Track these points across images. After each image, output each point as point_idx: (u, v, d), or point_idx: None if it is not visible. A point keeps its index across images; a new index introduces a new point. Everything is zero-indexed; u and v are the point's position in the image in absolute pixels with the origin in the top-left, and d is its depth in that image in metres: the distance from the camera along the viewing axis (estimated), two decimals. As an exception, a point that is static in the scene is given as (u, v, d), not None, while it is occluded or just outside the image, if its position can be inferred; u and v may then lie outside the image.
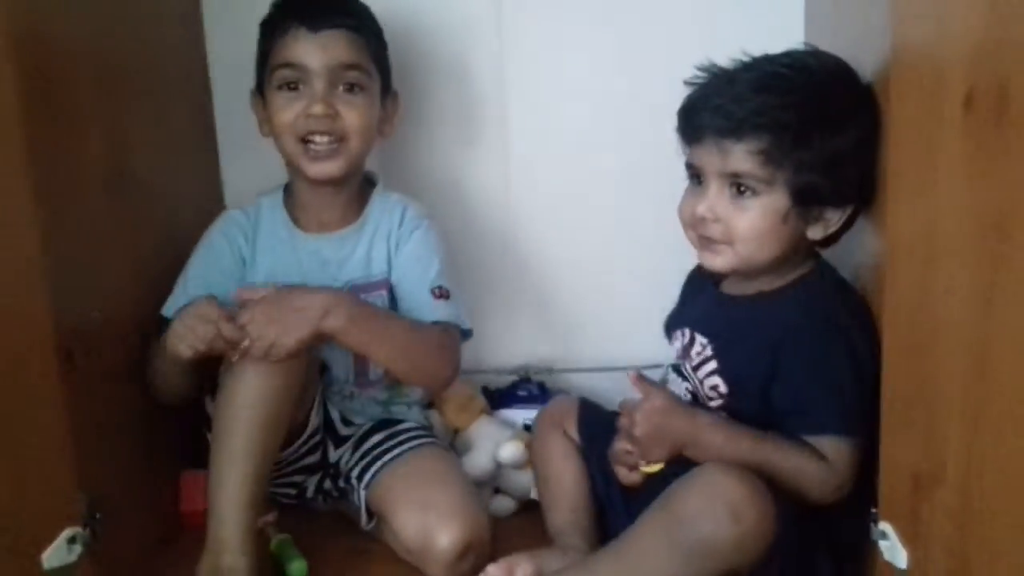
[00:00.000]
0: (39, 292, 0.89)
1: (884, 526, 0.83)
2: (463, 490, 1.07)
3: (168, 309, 1.11)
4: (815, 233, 0.94)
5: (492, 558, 1.04)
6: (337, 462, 1.17)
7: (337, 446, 1.17)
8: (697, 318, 1.03)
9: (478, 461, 1.19)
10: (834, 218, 0.93)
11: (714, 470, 0.86)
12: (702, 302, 1.05)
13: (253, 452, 0.99)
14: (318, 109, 1.09)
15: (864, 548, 0.89)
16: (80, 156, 1.00)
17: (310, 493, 1.18)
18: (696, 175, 0.97)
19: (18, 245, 0.87)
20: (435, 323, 1.10)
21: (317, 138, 1.10)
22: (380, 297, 1.15)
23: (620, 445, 0.99)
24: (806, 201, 0.92)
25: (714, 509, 0.83)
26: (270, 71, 1.11)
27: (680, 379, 1.04)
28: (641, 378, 0.97)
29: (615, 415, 1.01)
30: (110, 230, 1.06)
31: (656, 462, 0.97)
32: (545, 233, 1.36)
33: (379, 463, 1.11)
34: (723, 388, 0.97)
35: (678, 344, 1.04)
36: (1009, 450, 0.64)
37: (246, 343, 0.98)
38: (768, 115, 0.90)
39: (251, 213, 1.18)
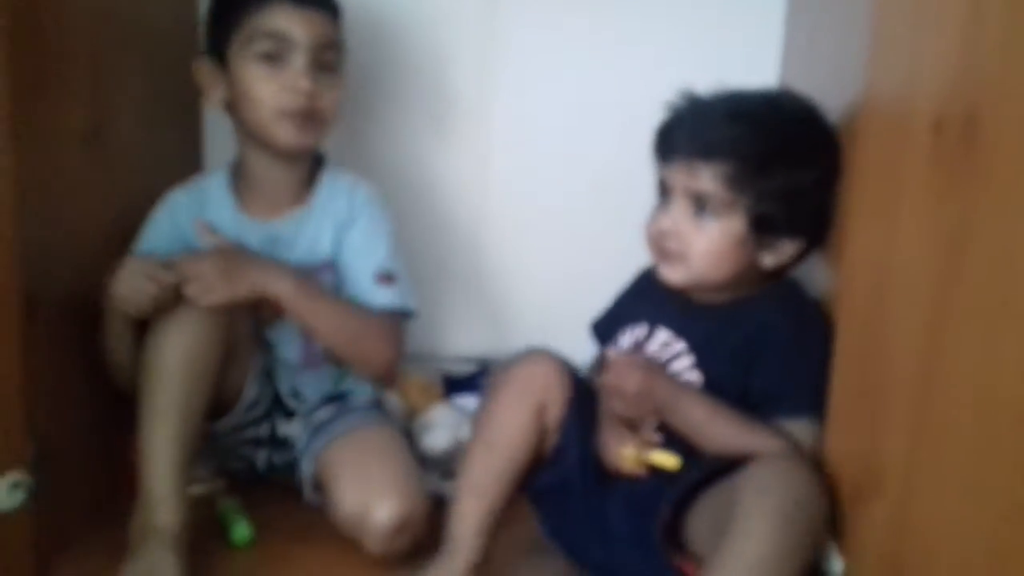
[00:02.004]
0: (7, 237, 0.88)
1: (822, 535, 0.85)
2: (403, 467, 1.07)
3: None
4: (767, 261, 0.98)
5: (432, 537, 1.04)
6: (286, 437, 1.17)
7: (287, 419, 1.17)
8: (657, 314, 1.04)
9: (439, 440, 1.20)
10: (787, 249, 0.98)
11: (771, 457, 0.87)
12: (659, 301, 1.05)
13: (178, 409, 0.99)
14: (304, 84, 1.07)
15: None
16: (60, 108, 0.99)
17: (261, 467, 1.18)
18: (665, 192, 1.01)
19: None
20: (379, 310, 1.11)
21: (299, 114, 1.09)
22: (326, 279, 1.14)
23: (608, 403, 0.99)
24: (762, 229, 0.96)
25: (804, 477, 0.83)
26: (247, 39, 1.08)
27: None
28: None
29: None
30: (85, 186, 1.05)
31: (643, 423, 0.97)
32: (518, 228, 1.38)
33: (326, 436, 1.12)
34: (700, 381, 0.98)
35: (627, 340, 1.05)
36: (948, 466, 0.66)
37: (191, 289, 1.00)
38: (737, 143, 0.95)
39: (194, 193, 1.16)
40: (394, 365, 1.13)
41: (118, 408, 1.15)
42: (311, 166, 1.17)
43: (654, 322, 1.04)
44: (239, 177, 1.16)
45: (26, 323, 0.92)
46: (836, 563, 0.82)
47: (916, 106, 0.73)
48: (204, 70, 1.13)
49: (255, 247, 1.13)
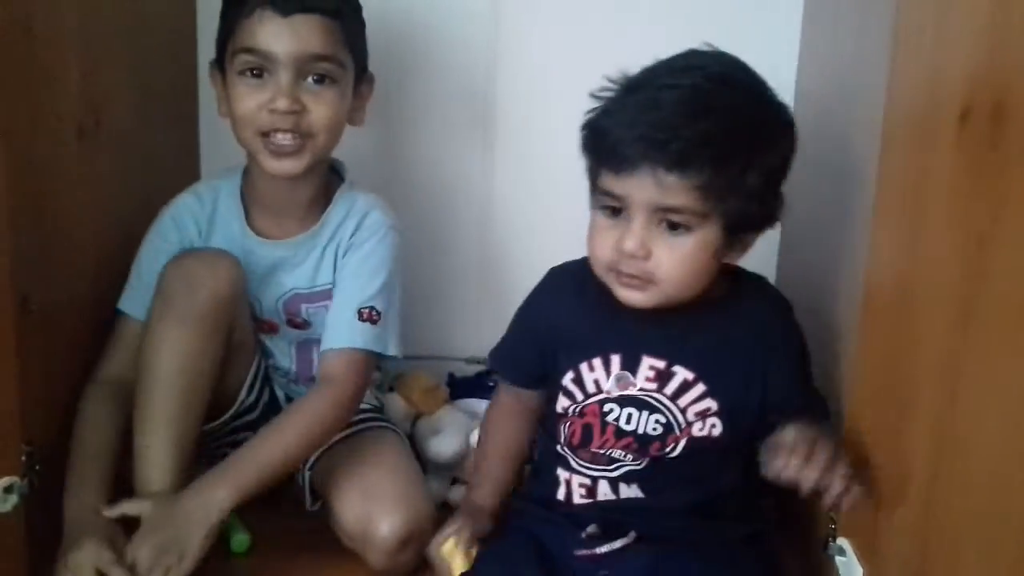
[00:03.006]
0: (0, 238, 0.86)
1: (842, 542, 0.83)
2: (408, 477, 1.04)
3: (125, 303, 1.07)
4: (733, 257, 0.89)
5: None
6: None
7: None
8: (625, 336, 0.92)
9: (448, 444, 1.16)
10: (753, 240, 0.89)
11: None
12: (611, 313, 0.91)
13: (175, 416, 0.97)
14: (282, 104, 0.98)
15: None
16: (55, 98, 0.97)
17: None
18: (614, 206, 0.86)
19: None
20: (353, 347, 1.03)
21: (279, 136, 1.00)
22: (323, 308, 1.09)
23: None
24: (738, 230, 0.86)
25: None
26: (232, 53, 1.01)
27: (647, 412, 0.91)
28: None
29: None
30: (79, 177, 1.03)
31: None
32: (523, 226, 1.35)
33: (324, 444, 1.08)
34: (715, 408, 0.90)
35: (593, 377, 0.93)
36: (973, 470, 0.64)
37: None
38: (712, 147, 0.81)
39: (207, 200, 1.09)
40: (359, 402, 1.06)
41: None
42: (324, 182, 1.10)
43: (630, 347, 0.91)
44: (249, 188, 1.10)
45: (19, 324, 0.89)
46: (856, 571, 0.80)
47: (942, 95, 0.70)
48: (212, 79, 1.07)
49: (260, 268, 1.08)
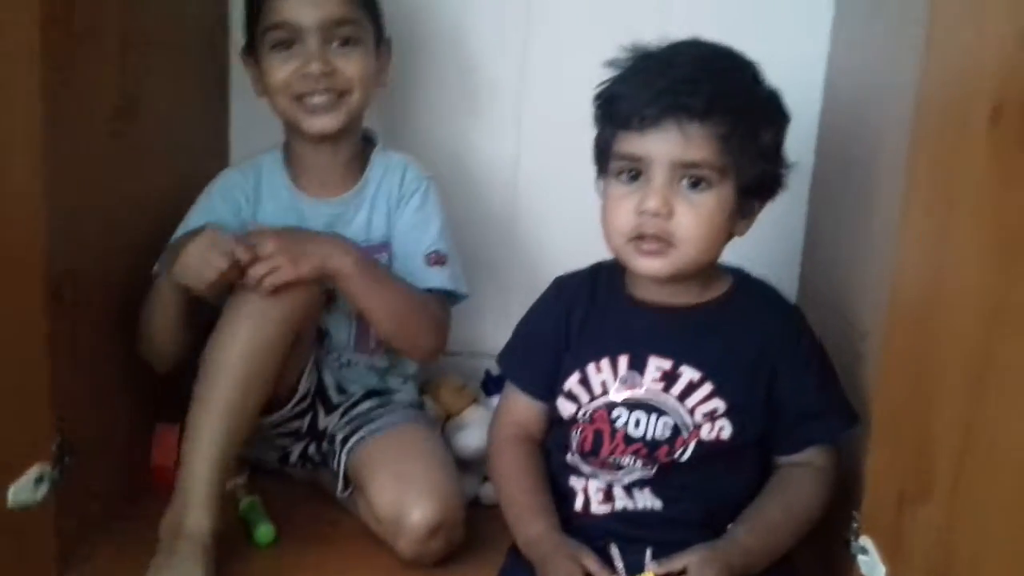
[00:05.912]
0: (36, 219, 0.87)
1: (865, 541, 0.83)
2: (442, 468, 1.05)
3: (161, 265, 1.09)
4: (741, 229, 0.90)
5: (466, 541, 1.03)
6: (325, 429, 1.15)
7: (328, 413, 1.15)
8: (633, 336, 0.92)
9: (472, 439, 1.16)
10: (757, 211, 0.90)
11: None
12: (621, 317, 0.94)
13: (233, 409, 0.97)
14: (315, 68, 1.06)
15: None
16: (90, 86, 0.98)
17: (293, 459, 1.16)
18: (633, 170, 0.87)
19: (20, 168, 0.85)
20: (428, 291, 1.11)
21: (315, 97, 1.08)
22: (382, 260, 1.14)
23: None
24: (749, 193, 0.87)
25: None
26: (261, 33, 1.09)
27: (655, 416, 0.91)
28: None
29: None
30: (114, 165, 1.04)
31: None
32: (552, 216, 1.34)
33: (364, 430, 1.10)
34: (723, 408, 0.90)
35: (601, 379, 0.92)
36: (1000, 469, 0.64)
37: (256, 270, 0.97)
38: (733, 97, 0.84)
39: (250, 174, 1.15)
40: (440, 349, 1.13)
41: (144, 399, 1.14)
42: (360, 146, 1.17)
43: (638, 348, 0.91)
44: (290, 157, 1.17)
45: (53, 311, 0.91)
46: (879, 571, 0.79)
47: (973, 93, 0.70)
48: (245, 63, 1.15)
49: (311, 225, 1.13)
